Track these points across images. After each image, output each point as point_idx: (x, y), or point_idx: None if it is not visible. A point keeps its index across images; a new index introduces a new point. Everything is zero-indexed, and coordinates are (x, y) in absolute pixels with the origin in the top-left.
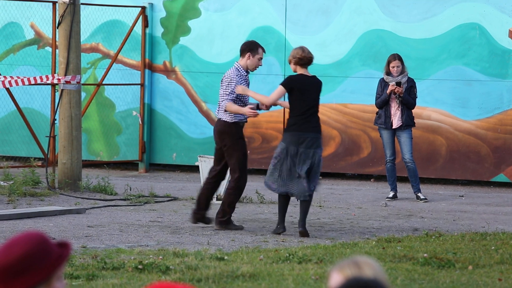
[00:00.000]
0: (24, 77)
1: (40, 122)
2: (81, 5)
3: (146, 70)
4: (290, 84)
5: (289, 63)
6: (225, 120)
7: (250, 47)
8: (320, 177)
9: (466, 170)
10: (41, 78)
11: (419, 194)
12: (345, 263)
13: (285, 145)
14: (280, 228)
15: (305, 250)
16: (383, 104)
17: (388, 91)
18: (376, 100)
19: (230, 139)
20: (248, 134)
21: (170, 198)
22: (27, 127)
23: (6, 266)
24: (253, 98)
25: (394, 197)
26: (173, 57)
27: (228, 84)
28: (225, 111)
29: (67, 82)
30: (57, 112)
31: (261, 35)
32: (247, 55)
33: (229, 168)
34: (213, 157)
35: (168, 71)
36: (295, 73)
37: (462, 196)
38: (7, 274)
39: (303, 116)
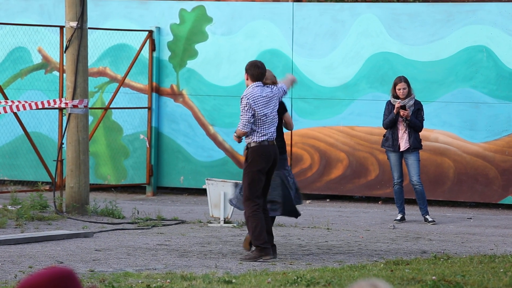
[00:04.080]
0: (32, 102)
1: (47, 146)
2: (88, 30)
3: (153, 94)
4: None
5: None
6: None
7: None
8: (328, 200)
9: (474, 192)
10: (48, 102)
11: (427, 217)
12: (363, 284)
13: None
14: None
15: (313, 273)
16: (390, 124)
17: (395, 110)
18: (383, 121)
19: None
20: None
21: (177, 222)
22: (35, 151)
23: None
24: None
25: (402, 219)
26: (180, 80)
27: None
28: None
29: (74, 106)
30: (65, 136)
31: (268, 58)
32: None
33: (267, 191)
34: (220, 180)
35: (175, 95)
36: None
37: (470, 218)
38: None
39: None
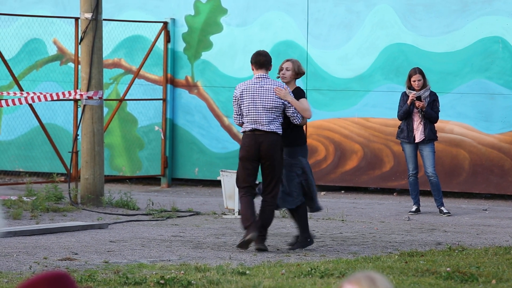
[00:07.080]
0: (47, 93)
1: (62, 137)
2: (103, 21)
3: (168, 85)
4: None
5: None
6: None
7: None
8: (342, 191)
9: (489, 184)
10: (63, 93)
11: (442, 208)
12: (360, 277)
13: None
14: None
15: (327, 265)
16: (404, 115)
17: (408, 102)
18: (398, 113)
19: (281, 152)
20: None
21: (192, 213)
22: (50, 143)
23: None
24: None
25: (417, 211)
26: (195, 72)
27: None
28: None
29: (89, 98)
30: (80, 127)
31: (283, 49)
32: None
33: (268, 183)
34: (235, 171)
35: (190, 86)
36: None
37: (486, 210)
38: None
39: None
